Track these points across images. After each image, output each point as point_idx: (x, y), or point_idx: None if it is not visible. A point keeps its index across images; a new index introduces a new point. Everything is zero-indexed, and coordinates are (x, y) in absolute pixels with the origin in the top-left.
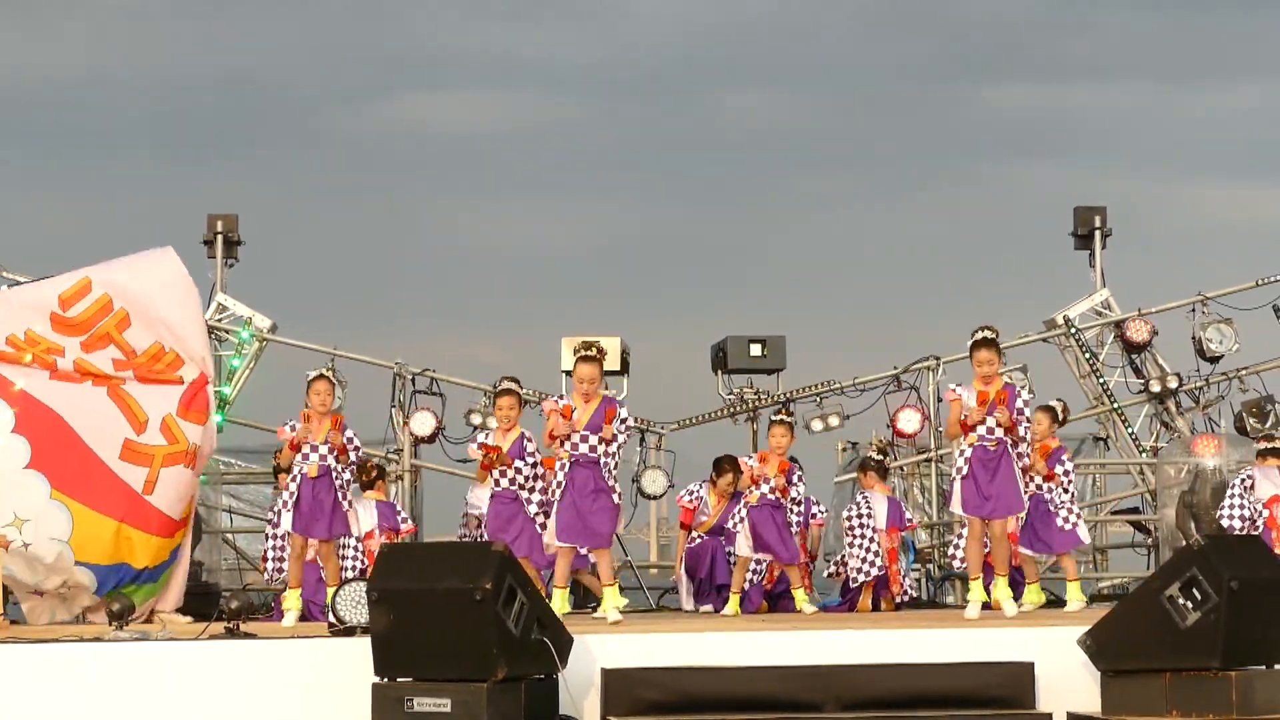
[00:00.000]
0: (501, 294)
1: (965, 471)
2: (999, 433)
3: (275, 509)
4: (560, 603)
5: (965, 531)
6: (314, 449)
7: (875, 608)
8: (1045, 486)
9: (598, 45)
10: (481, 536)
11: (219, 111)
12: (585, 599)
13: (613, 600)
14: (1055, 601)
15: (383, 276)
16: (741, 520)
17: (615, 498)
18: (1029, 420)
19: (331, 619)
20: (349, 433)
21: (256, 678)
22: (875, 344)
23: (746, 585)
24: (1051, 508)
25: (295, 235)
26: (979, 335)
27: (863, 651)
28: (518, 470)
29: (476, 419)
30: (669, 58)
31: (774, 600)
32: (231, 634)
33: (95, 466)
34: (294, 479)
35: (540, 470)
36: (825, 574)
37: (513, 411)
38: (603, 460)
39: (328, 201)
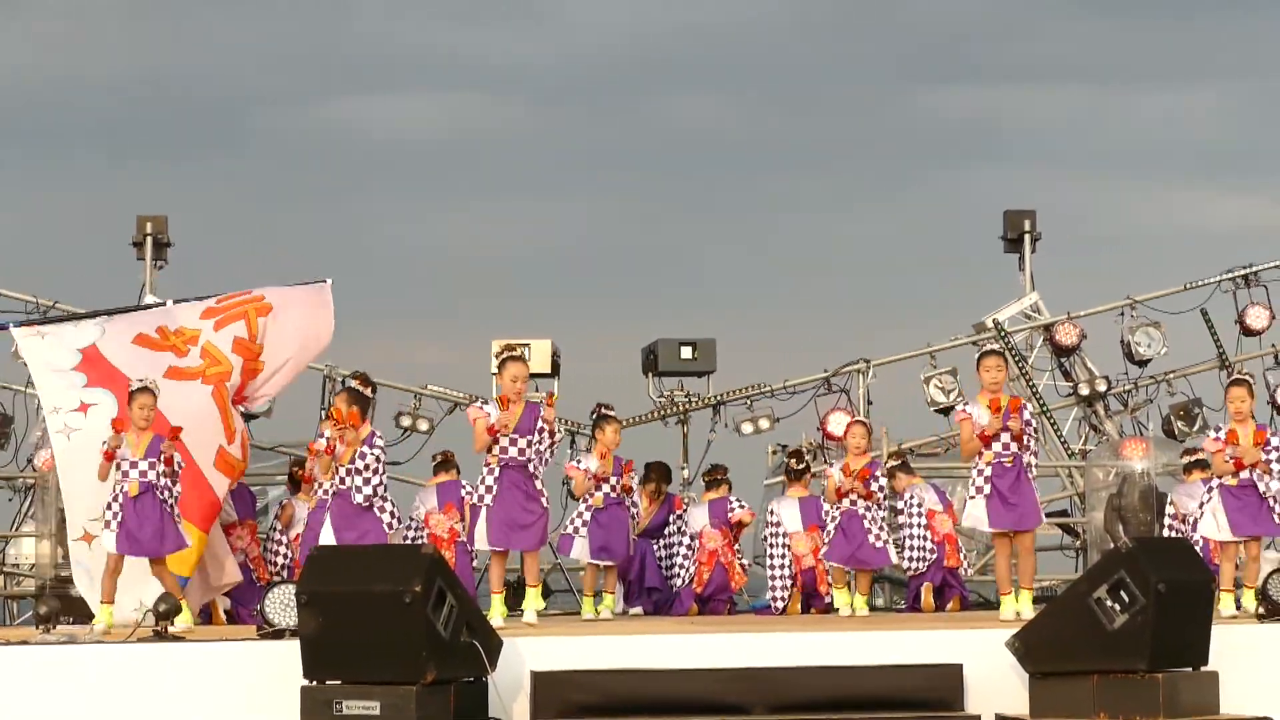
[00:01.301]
0: (437, 296)
1: (988, 491)
2: (1014, 446)
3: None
4: (499, 608)
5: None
6: (134, 465)
7: (806, 610)
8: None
9: (539, 48)
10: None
11: (149, 112)
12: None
13: (533, 603)
14: (984, 603)
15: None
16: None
17: (544, 501)
18: (1036, 431)
19: (261, 622)
20: (379, 442)
21: (185, 681)
22: (806, 347)
23: (678, 585)
24: (866, 523)
25: (226, 238)
26: (986, 346)
27: (792, 654)
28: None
29: (406, 421)
30: (611, 61)
31: (704, 603)
32: (160, 637)
33: (193, 472)
34: (115, 498)
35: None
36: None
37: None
38: (532, 464)
39: (259, 204)
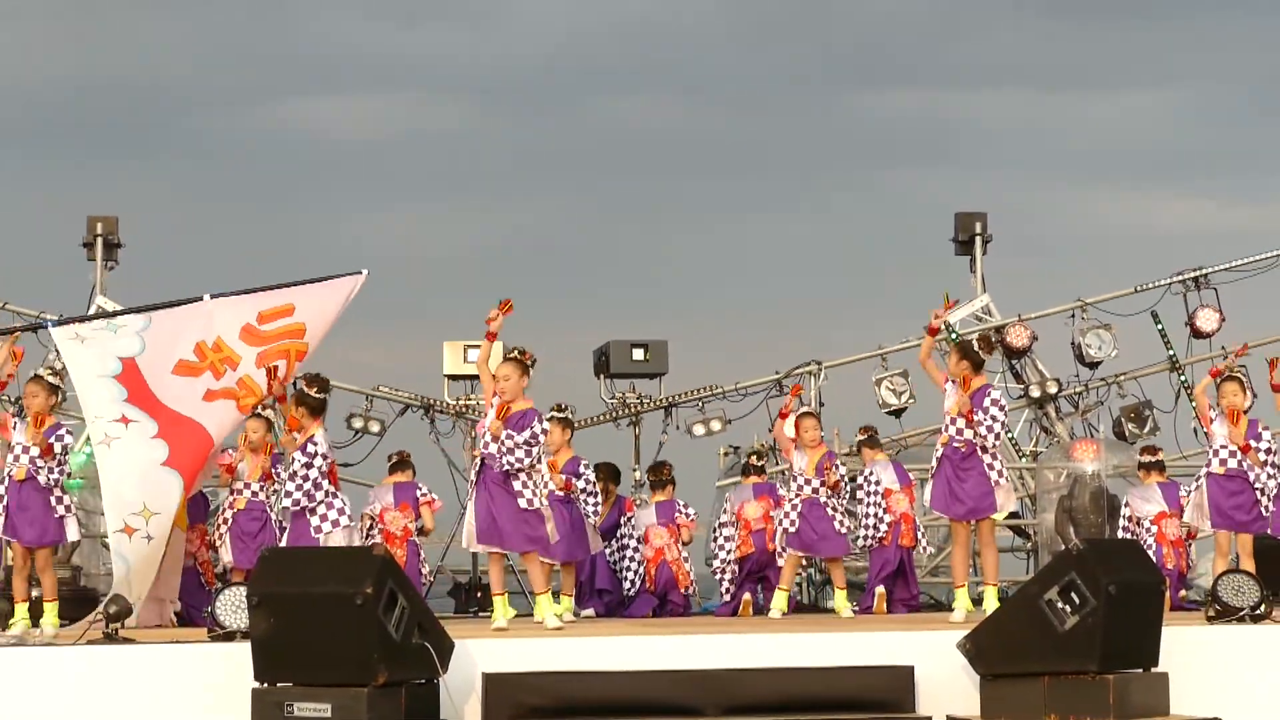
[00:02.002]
0: (386, 297)
1: (935, 471)
2: (968, 434)
3: None
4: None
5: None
6: (25, 450)
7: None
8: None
9: (485, 49)
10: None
11: (99, 112)
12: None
13: (551, 607)
14: (936, 605)
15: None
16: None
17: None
18: (993, 420)
19: (211, 623)
20: (312, 447)
21: (135, 683)
22: (757, 349)
23: (630, 588)
24: (829, 510)
25: (176, 238)
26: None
27: (744, 656)
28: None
29: (358, 423)
30: (556, 61)
31: (662, 604)
32: (110, 639)
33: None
34: (1, 482)
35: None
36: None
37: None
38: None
39: (209, 204)
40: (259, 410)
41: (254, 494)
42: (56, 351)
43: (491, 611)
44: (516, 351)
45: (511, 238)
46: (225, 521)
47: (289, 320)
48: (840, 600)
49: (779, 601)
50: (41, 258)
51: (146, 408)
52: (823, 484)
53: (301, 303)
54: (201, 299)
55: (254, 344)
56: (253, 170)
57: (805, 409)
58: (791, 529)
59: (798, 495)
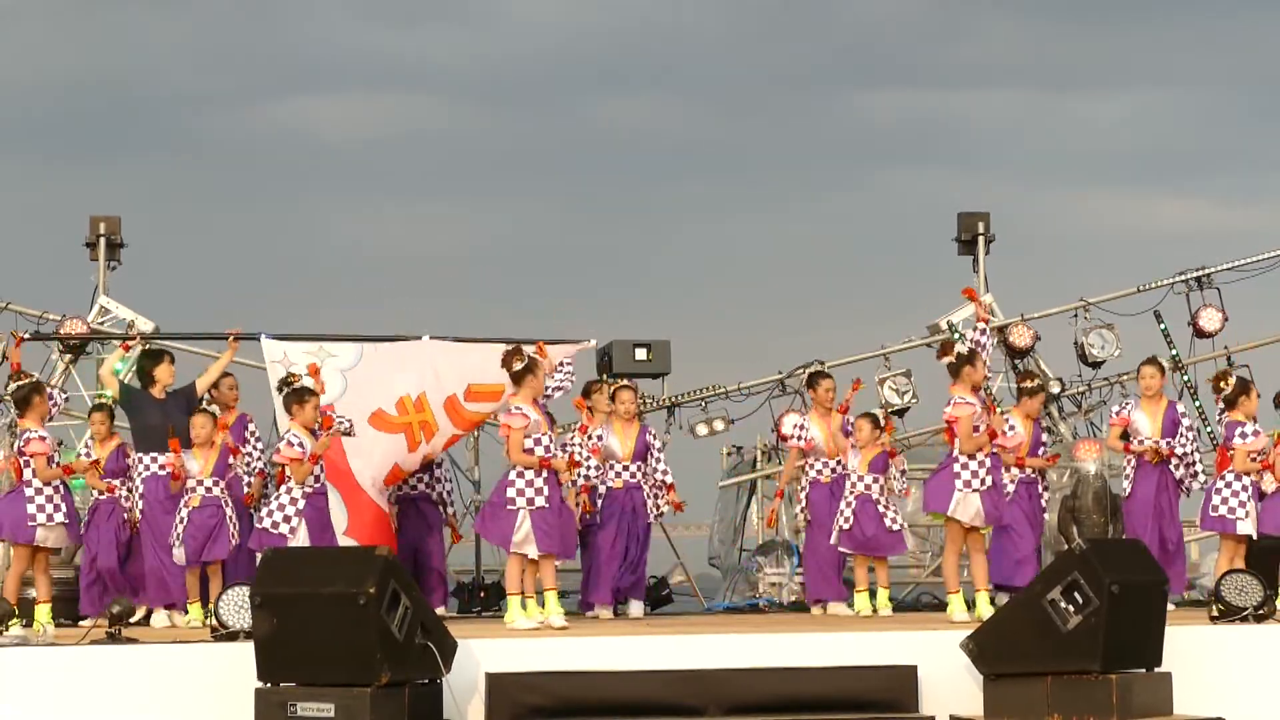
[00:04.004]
0: (382, 295)
1: (990, 484)
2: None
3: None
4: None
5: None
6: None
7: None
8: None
9: (478, 50)
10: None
11: (101, 113)
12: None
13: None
14: (938, 605)
15: (266, 279)
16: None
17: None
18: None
19: (214, 623)
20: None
21: (139, 683)
22: (760, 349)
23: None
24: (880, 508)
25: (178, 237)
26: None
27: (746, 655)
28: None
29: None
30: (556, 62)
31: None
32: (113, 639)
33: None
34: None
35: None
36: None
37: None
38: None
39: (209, 204)
40: (205, 405)
41: (208, 490)
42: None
43: (498, 610)
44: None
45: (511, 237)
46: (181, 520)
47: (488, 407)
48: (882, 599)
49: (864, 602)
50: (44, 258)
51: (333, 475)
52: (875, 481)
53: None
54: (420, 339)
55: (453, 421)
56: (252, 169)
57: (866, 411)
58: (846, 526)
59: (852, 493)
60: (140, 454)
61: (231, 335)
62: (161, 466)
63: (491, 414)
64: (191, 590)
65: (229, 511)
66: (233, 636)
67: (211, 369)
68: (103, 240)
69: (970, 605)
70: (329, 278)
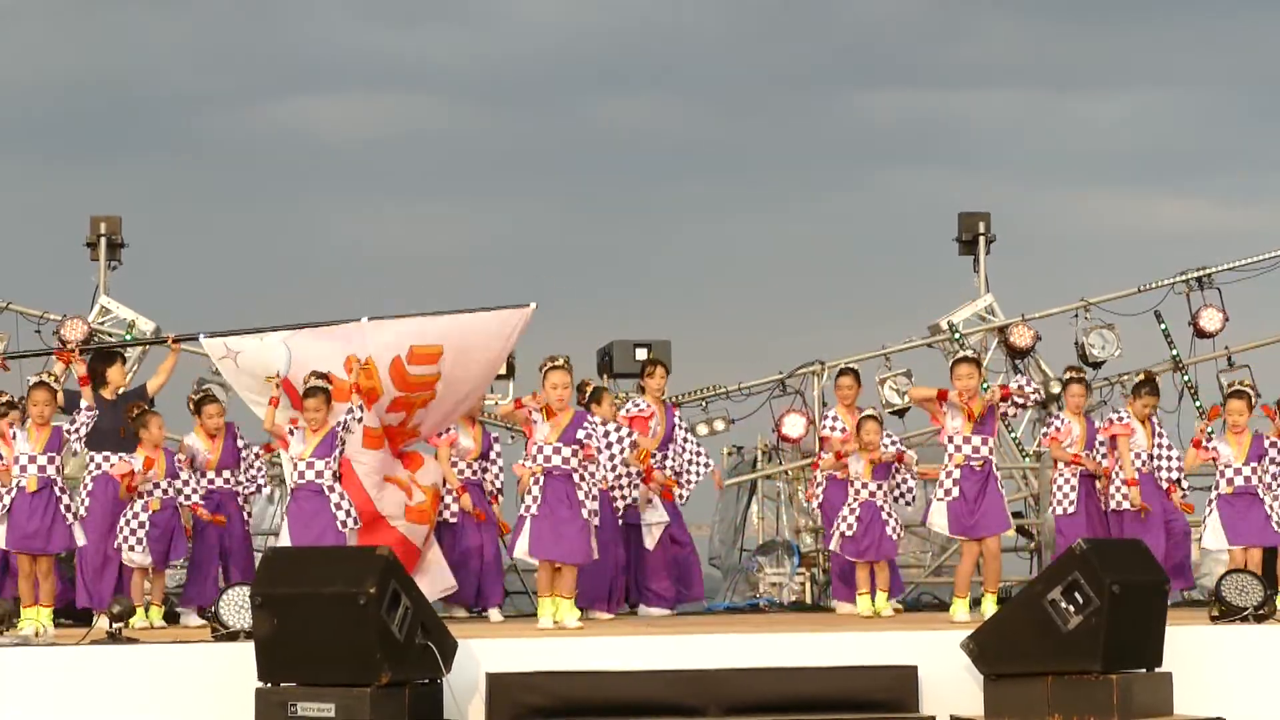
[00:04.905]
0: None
1: (955, 494)
2: (984, 451)
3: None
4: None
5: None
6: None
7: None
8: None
9: (477, 50)
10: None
11: (101, 113)
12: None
13: (570, 611)
14: (939, 605)
15: (266, 279)
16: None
17: (585, 512)
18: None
19: (213, 623)
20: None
21: (139, 683)
22: (760, 349)
23: None
24: (884, 515)
25: (178, 237)
26: (960, 354)
27: (746, 655)
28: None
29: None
30: (555, 62)
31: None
32: (114, 639)
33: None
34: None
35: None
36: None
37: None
38: (576, 474)
39: (209, 204)
40: (149, 408)
41: (164, 491)
42: (215, 369)
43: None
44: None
45: (516, 236)
46: (142, 525)
47: (430, 370)
48: (881, 600)
49: (865, 604)
50: (44, 258)
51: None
52: (879, 488)
53: (451, 345)
54: (360, 320)
55: (397, 385)
56: (251, 169)
57: (869, 411)
58: (849, 533)
59: (856, 499)
60: (91, 452)
61: (170, 338)
62: (114, 467)
63: (434, 379)
64: (156, 593)
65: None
66: (233, 636)
67: (160, 370)
68: (103, 240)
69: (975, 604)
70: (328, 277)
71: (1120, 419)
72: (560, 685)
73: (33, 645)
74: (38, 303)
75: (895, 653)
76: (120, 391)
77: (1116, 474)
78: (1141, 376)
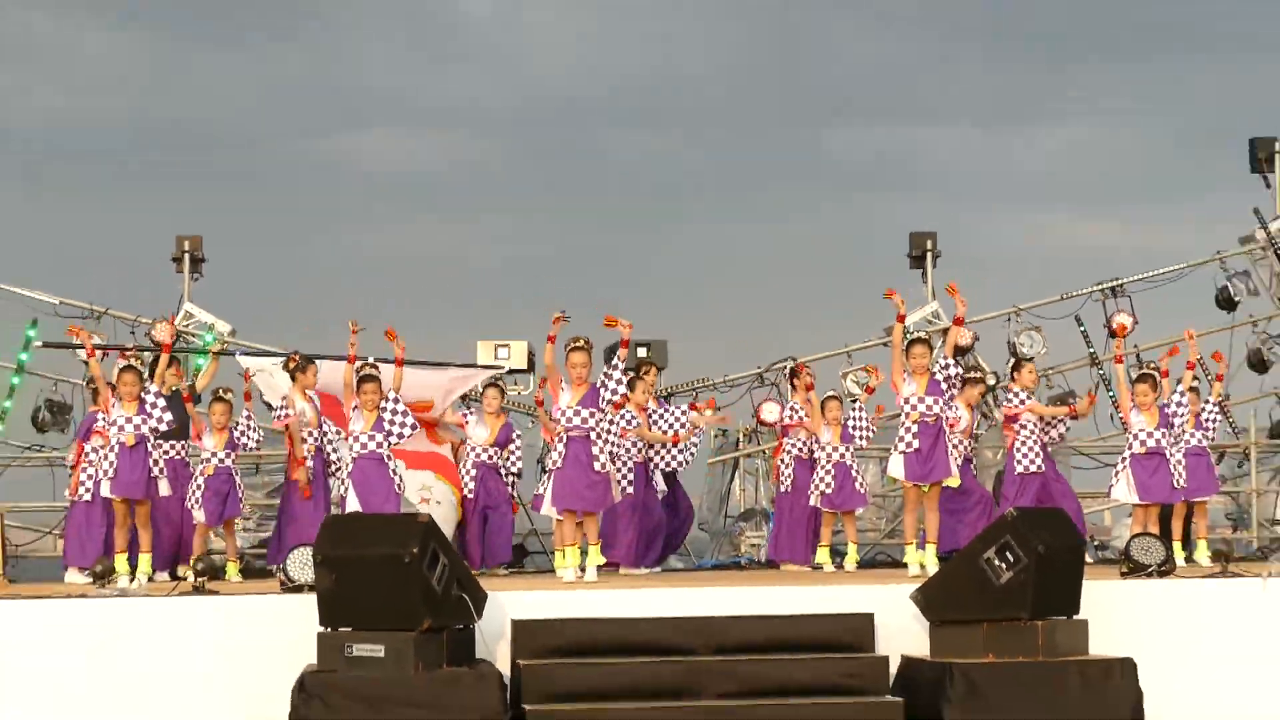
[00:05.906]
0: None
1: (915, 446)
2: (936, 409)
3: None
4: (567, 560)
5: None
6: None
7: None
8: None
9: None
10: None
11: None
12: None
13: (594, 559)
14: (894, 563)
15: (327, 288)
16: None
17: (600, 466)
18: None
19: (283, 578)
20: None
21: (221, 628)
22: (742, 347)
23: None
24: (854, 471)
25: (250, 252)
26: (913, 335)
27: (732, 605)
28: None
29: None
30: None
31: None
32: (199, 591)
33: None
34: (111, 448)
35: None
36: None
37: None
38: (593, 433)
39: (278, 224)
40: (221, 395)
41: (220, 461)
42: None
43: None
44: (584, 340)
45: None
46: (199, 487)
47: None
48: (851, 554)
49: (824, 555)
50: (136, 271)
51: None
52: (846, 449)
53: (440, 396)
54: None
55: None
56: (315, 194)
57: (831, 392)
58: (829, 490)
59: (829, 461)
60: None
61: (213, 351)
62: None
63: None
64: (198, 547)
65: (238, 479)
66: (299, 589)
67: (205, 373)
68: (187, 255)
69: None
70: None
71: (1021, 402)
72: (573, 629)
73: (131, 596)
74: (131, 309)
75: (855, 602)
76: (173, 389)
77: (1017, 447)
78: (1140, 372)
